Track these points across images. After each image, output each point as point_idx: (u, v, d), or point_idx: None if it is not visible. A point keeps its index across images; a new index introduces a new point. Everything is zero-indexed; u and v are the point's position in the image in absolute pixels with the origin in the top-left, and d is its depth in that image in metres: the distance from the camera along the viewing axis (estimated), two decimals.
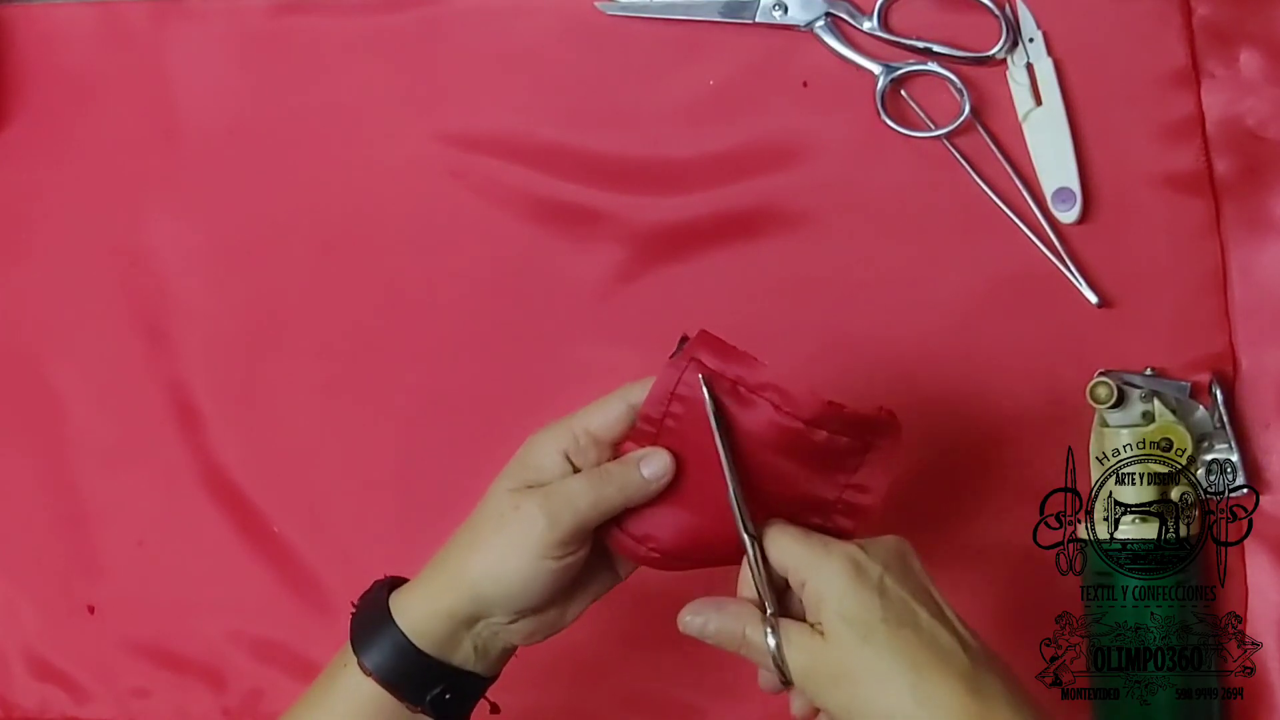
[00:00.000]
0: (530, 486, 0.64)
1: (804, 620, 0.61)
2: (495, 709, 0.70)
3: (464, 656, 0.65)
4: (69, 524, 0.91)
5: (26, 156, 0.91)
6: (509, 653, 0.68)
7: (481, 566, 0.64)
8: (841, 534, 0.64)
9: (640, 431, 0.64)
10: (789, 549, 0.61)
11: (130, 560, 0.90)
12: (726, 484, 0.62)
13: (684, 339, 0.64)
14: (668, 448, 0.64)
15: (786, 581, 0.62)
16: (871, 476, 0.64)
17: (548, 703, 0.84)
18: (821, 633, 0.59)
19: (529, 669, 0.83)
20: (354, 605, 0.68)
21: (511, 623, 0.65)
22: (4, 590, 0.92)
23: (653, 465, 0.63)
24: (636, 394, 0.64)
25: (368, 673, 0.65)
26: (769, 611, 0.61)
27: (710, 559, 0.65)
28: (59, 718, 0.92)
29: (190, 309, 0.89)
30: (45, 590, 0.92)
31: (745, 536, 0.62)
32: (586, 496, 0.63)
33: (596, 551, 0.66)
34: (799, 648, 0.60)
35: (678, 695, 0.83)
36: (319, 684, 0.67)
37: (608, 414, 0.64)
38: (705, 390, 0.62)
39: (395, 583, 0.68)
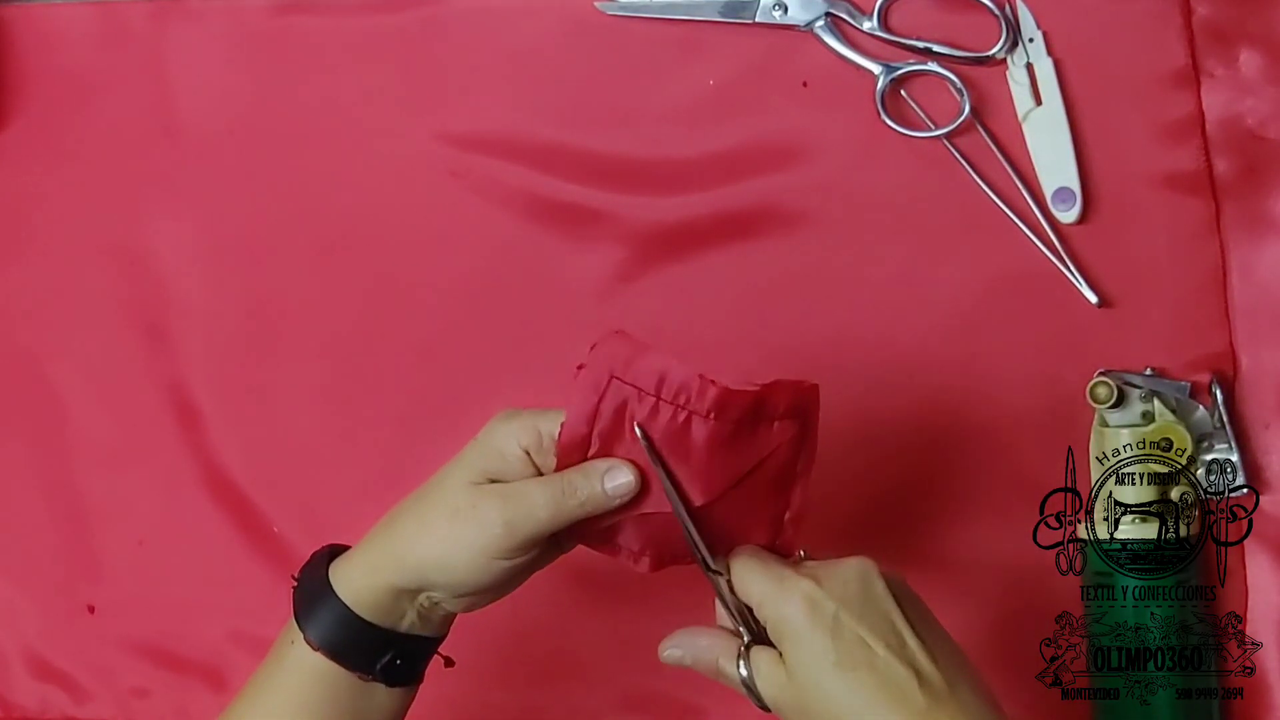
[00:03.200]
0: (491, 479, 0.64)
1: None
2: (449, 663, 0.70)
3: (409, 623, 0.66)
4: (69, 524, 0.91)
5: (26, 156, 0.91)
6: (453, 616, 0.68)
7: (431, 555, 0.64)
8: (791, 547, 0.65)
9: (569, 444, 0.64)
10: (751, 582, 0.61)
11: (130, 560, 0.90)
12: (683, 527, 0.62)
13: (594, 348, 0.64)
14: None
15: None
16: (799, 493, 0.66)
17: (547, 703, 0.84)
18: (786, 668, 0.59)
19: (528, 669, 0.83)
20: (295, 578, 0.68)
21: (455, 598, 0.66)
22: (4, 590, 0.92)
23: (616, 480, 0.63)
24: None
25: (315, 647, 0.65)
26: (744, 640, 0.62)
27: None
28: (59, 718, 0.92)
29: (190, 309, 0.89)
30: (45, 590, 0.92)
31: (710, 574, 0.62)
32: (548, 508, 0.62)
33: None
34: (767, 679, 0.60)
35: (678, 695, 0.83)
36: (268, 662, 0.67)
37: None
38: (643, 440, 0.62)
39: (336, 551, 0.68)
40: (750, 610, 0.62)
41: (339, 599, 0.65)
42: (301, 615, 0.66)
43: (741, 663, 0.61)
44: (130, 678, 0.90)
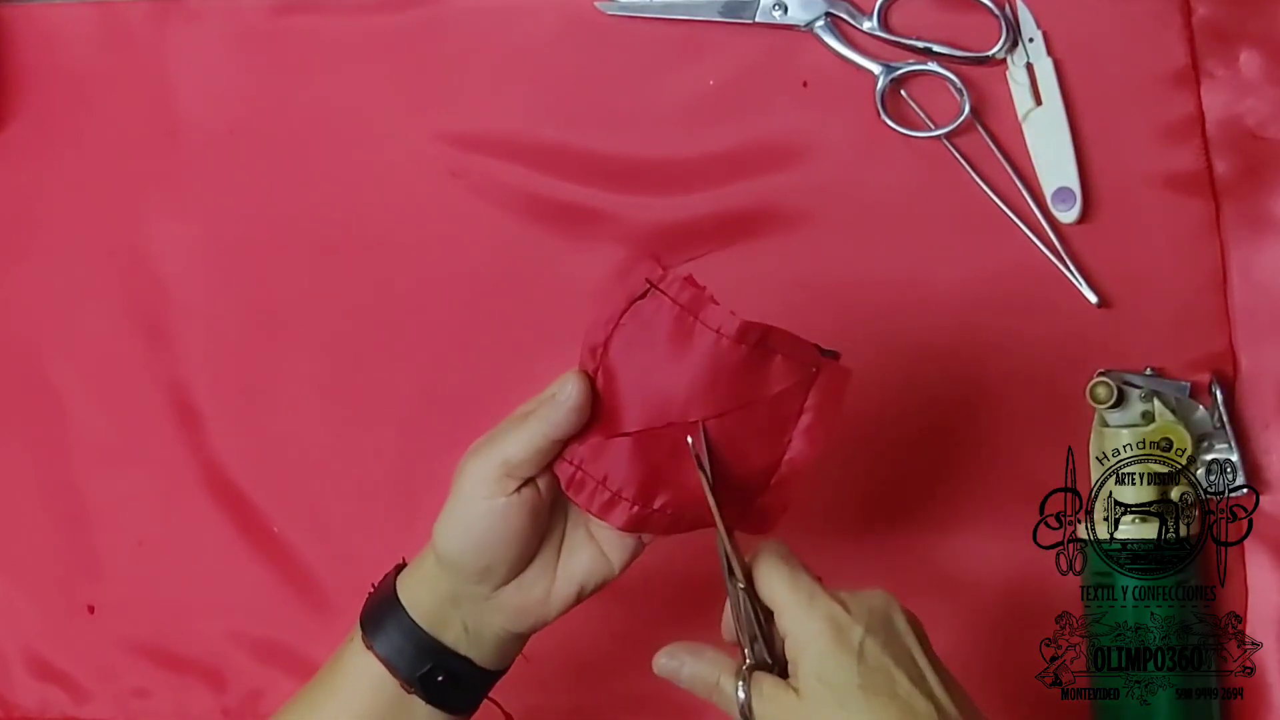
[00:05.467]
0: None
1: (784, 658, 0.60)
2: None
3: (455, 636, 0.66)
4: (69, 524, 0.91)
5: (26, 156, 0.91)
6: (505, 643, 0.68)
7: (438, 527, 0.65)
8: (793, 472, 0.65)
9: (581, 363, 0.65)
10: (777, 591, 0.60)
11: (130, 560, 0.90)
12: (717, 527, 0.61)
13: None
14: (605, 382, 0.64)
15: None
16: (816, 419, 0.65)
17: (548, 703, 0.84)
18: (796, 689, 0.58)
19: (529, 669, 0.83)
20: (373, 586, 0.69)
21: (490, 595, 0.65)
22: (4, 590, 0.92)
23: (565, 388, 0.64)
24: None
25: (369, 646, 0.66)
26: (745, 661, 0.60)
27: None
28: (59, 718, 0.92)
29: (190, 309, 0.89)
30: (45, 590, 0.92)
31: (730, 584, 0.61)
32: (510, 435, 0.64)
33: (577, 530, 0.66)
34: (770, 701, 0.59)
35: (678, 695, 0.83)
36: (329, 664, 0.69)
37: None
38: (694, 452, 0.62)
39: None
40: (763, 622, 0.61)
41: (399, 602, 0.66)
42: (366, 617, 0.68)
43: (741, 684, 0.60)
44: (130, 678, 0.90)
